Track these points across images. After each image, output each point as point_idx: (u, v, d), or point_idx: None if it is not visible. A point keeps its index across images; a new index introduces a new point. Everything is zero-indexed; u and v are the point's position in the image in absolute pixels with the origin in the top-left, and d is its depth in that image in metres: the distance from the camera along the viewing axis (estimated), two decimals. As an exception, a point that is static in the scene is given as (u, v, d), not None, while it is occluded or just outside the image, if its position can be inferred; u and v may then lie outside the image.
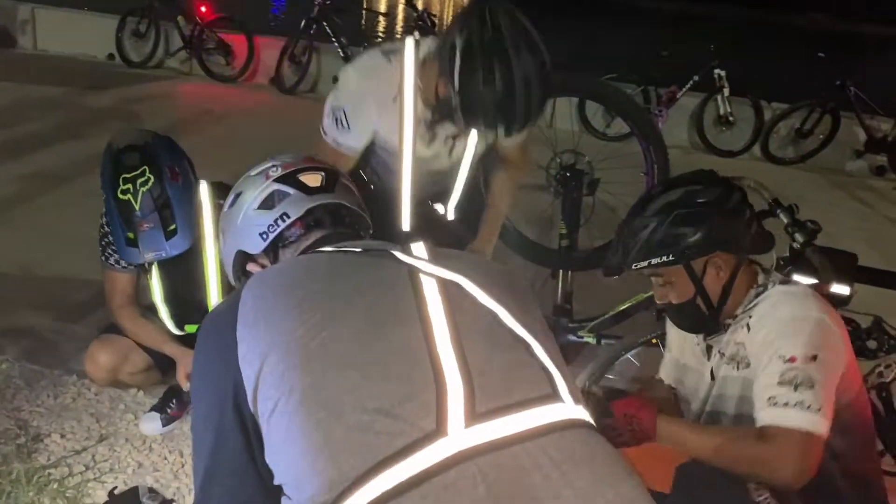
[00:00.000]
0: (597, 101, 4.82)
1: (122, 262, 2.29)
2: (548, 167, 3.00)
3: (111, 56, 8.13)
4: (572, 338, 2.88)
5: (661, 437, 1.61)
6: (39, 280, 3.47)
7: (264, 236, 1.25)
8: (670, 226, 1.66)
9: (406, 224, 2.14)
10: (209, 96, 7.43)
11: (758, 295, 1.69)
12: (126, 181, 2.07)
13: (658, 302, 1.77)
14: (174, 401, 2.47)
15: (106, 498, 2.16)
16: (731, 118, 6.96)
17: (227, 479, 1.06)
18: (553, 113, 6.61)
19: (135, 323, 2.37)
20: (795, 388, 1.45)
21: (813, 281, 1.96)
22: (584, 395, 1.71)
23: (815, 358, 1.48)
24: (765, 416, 1.48)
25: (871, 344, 2.28)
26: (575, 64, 6.19)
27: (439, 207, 2.32)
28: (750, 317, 1.66)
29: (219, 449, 1.06)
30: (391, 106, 1.96)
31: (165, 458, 2.35)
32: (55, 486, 2.20)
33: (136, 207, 2.07)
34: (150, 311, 2.42)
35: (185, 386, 2.24)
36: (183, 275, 2.31)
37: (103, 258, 2.33)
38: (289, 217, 1.23)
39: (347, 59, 7.40)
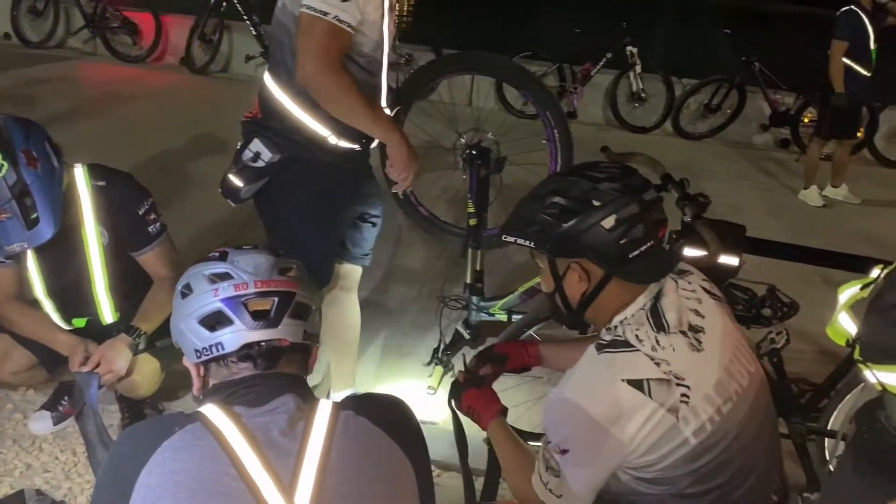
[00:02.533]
0: (490, 75, 4.84)
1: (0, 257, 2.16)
2: (454, 147, 2.99)
3: (7, 35, 7.71)
4: (484, 316, 2.90)
5: (490, 435, 1.75)
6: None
7: (198, 354, 1.25)
8: (545, 212, 1.51)
9: (384, 99, 2.22)
10: (116, 77, 7.13)
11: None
12: None
13: (537, 285, 1.77)
14: (66, 398, 2.36)
15: (-9, 503, 2.06)
16: (643, 94, 7.10)
17: None
18: (472, 91, 6.61)
19: (24, 316, 2.23)
20: (546, 468, 1.51)
21: (702, 253, 2.01)
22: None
23: (565, 452, 1.47)
24: (534, 475, 1.57)
25: (766, 312, 2.36)
26: (491, 42, 6.20)
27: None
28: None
29: None
30: None
31: (57, 458, 2.25)
32: (-66, 493, 2.08)
33: None
34: (34, 306, 2.29)
35: (77, 368, 2.11)
36: (63, 265, 2.18)
37: None
38: (223, 349, 1.23)
39: (260, 37, 7.21)
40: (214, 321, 1.23)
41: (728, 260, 2.03)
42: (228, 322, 1.23)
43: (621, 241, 1.47)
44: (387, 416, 1.23)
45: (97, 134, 5.20)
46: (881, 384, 1.18)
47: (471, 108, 6.55)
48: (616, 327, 1.52)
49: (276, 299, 1.25)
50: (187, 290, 1.28)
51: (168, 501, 1.05)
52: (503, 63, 3.26)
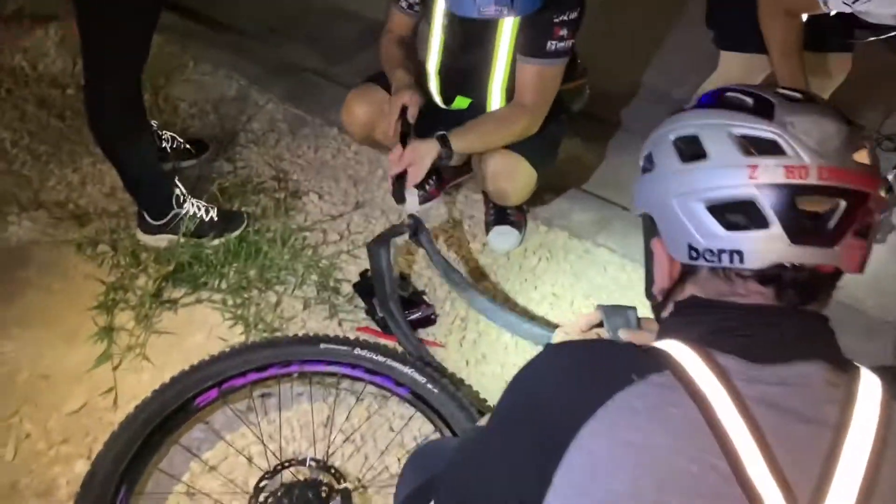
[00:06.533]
0: None
1: (405, 2, 2.05)
2: None
3: None
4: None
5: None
6: (314, 11, 3.25)
7: (693, 254, 0.82)
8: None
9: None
10: None
11: None
12: None
13: None
14: (433, 178, 2.20)
15: (357, 277, 2.02)
16: None
17: None
18: None
19: (388, 51, 2.10)
20: None
21: None
22: None
23: None
24: None
25: None
26: None
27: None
28: None
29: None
30: None
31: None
32: (309, 252, 2.09)
33: None
34: (420, 77, 2.10)
35: (393, 168, 1.96)
36: (469, 49, 2.00)
37: None
38: (741, 262, 0.79)
39: None
40: (736, 217, 0.79)
41: None
42: (760, 223, 0.78)
43: None
44: None
45: None
46: None
47: None
48: None
49: (845, 203, 0.77)
50: (696, 150, 0.82)
51: (623, 486, 0.69)
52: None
